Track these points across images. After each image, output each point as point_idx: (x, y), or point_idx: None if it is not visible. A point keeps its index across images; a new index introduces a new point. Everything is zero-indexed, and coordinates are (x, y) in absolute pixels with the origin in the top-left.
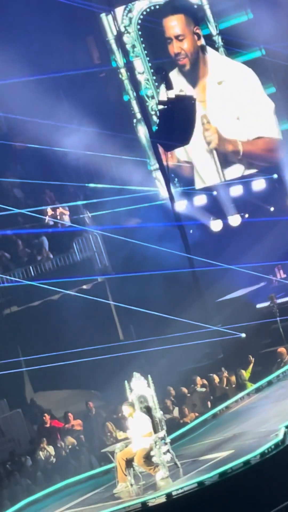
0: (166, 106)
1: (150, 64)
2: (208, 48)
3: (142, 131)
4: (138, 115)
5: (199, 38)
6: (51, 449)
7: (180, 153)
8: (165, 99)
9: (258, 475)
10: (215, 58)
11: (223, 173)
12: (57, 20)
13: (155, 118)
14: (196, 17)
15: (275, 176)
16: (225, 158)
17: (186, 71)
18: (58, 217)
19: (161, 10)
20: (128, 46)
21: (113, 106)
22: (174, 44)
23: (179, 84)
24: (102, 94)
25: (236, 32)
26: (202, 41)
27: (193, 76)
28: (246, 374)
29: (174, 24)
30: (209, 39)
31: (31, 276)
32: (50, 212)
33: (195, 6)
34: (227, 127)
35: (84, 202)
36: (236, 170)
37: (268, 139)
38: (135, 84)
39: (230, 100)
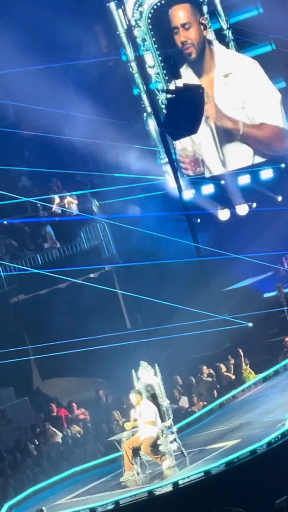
0: (173, 95)
1: (160, 58)
2: (215, 42)
3: (152, 125)
4: (149, 109)
5: (205, 28)
6: (58, 434)
7: (187, 144)
8: (173, 88)
9: (264, 464)
10: (221, 52)
11: (222, 153)
12: (65, 8)
13: (165, 111)
14: (201, 8)
15: (283, 165)
16: (225, 136)
17: (192, 60)
18: (66, 205)
19: (169, 1)
20: (139, 40)
21: (121, 95)
22: (181, 33)
23: (188, 79)
24: (110, 83)
25: (246, 27)
26: (209, 33)
27: (199, 67)
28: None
29: (180, 13)
30: (219, 33)
31: (38, 264)
32: (57, 200)
33: None
34: (230, 110)
35: (92, 190)
36: (244, 156)
37: (273, 126)
38: (146, 78)
39: (236, 92)
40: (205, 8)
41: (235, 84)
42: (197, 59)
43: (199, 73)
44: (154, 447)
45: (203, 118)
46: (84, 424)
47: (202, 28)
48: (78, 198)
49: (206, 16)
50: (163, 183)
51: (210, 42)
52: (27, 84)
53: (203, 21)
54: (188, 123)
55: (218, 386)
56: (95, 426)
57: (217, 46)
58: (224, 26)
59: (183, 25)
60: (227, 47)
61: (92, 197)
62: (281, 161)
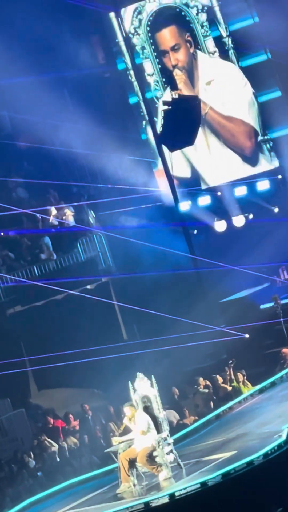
0: (170, 107)
1: (159, 66)
2: (198, 53)
3: (151, 133)
4: (148, 117)
5: (191, 45)
6: (55, 446)
7: (180, 157)
8: (169, 99)
9: (261, 476)
10: (204, 60)
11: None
12: (62, 19)
13: (162, 123)
14: (186, 24)
15: (280, 177)
16: None
17: (184, 81)
18: (64, 217)
19: (151, 25)
20: (138, 48)
21: (117, 106)
22: (171, 56)
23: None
24: (106, 94)
25: (242, 36)
26: (193, 48)
27: (188, 83)
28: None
29: (168, 36)
30: (218, 41)
31: (35, 276)
32: (54, 212)
33: (182, 13)
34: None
35: (88, 202)
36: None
37: (240, 121)
38: (145, 86)
39: (217, 97)
40: (204, 16)
41: (216, 89)
42: (187, 78)
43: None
44: (150, 457)
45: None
46: (80, 436)
47: (189, 45)
48: (75, 210)
49: (204, 29)
50: (159, 194)
51: (194, 56)
52: (24, 95)
53: (189, 38)
54: (184, 134)
55: (215, 397)
56: (91, 437)
57: (200, 56)
58: (224, 34)
59: (172, 48)
60: (227, 55)
61: (88, 209)
62: (278, 172)
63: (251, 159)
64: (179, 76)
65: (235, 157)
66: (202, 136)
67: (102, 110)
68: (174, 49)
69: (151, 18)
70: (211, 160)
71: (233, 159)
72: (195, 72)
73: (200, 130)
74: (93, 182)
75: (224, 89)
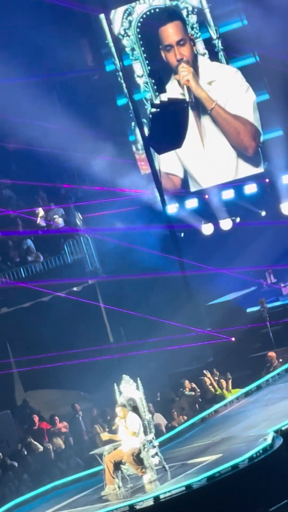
0: (158, 110)
1: (149, 68)
2: (199, 56)
3: (140, 134)
4: (136, 119)
5: (194, 44)
6: (40, 448)
7: (171, 167)
8: (158, 102)
9: (246, 479)
10: (205, 63)
11: (199, 118)
12: (51, 21)
13: (150, 126)
14: (188, 24)
15: (267, 180)
16: (197, 105)
17: (193, 73)
18: (55, 218)
19: (157, 19)
20: (128, 49)
21: (106, 108)
22: (176, 51)
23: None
24: (95, 96)
25: (230, 38)
26: (195, 47)
27: (196, 76)
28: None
29: (174, 31)
30: (208, 43)
31: (22, 277)
32: (41, 213)
33: (187, 13)
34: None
35: (76, 204)
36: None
37: (245, 120)
38: (134, 87)
39: (218, 96)
40: (194, 18)
41: (218, 89)
42: (193, 71)
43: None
44: (137, 457)
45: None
46: (66, 438)
47: (192, 44)
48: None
49: (194, 31)
50: (147, 196)
51: (196, 56)
52: (13, 97)
53: (192, 37)
54: (172, 137)
55: (200, 400)
56: (76, 439)
57: (200, 60)
58: (214, 36)
59: (178, 42)
60: (217, 57)
61: (76, 211)
62: (265, 176)
63: (253, 159)
64: (186, 69)
65: (232, 157)
66: (197, 135)
67: (90, 112)
68: (180, 44)
69: (141, 20)
70: (205, 160)
71: (230, 159)
72: (196, 72)
73: (196, 128)
74: (81, 184)
75: (227, 90)
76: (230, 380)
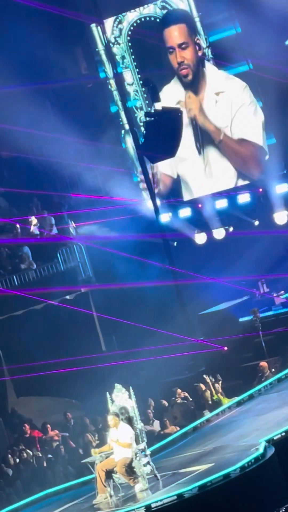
0: (152, 118)
1: (139, 76)
2: (207, 63)
3: (130, 142)
4: (127, 126)
5: (199, 48)
6: (31, 456)
7: (165, 167)
8: (152, 111)
9: (237, 489)
10: (212, 72)
11: (202, 148)
12: (45, 30)
13: (143, 130)
14: (196, 28)
15: (260, 190)
16: (203, 135)
17: (188, 81)
18: (49, 227)
19: (162, 20)
20: (118, 57)
21: (99, 117)
22: (177, 54)
23: (177, 95)
24: (88, 105)
25: (224, 46)
26: (202, 52)
27: (194, 88)
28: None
29: (177, 33)
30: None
31: (15, 285)
32: (34, 221)
33: (195, 17)
34: (215, 120)
35: (69, 212)
36: (229, 177)
37: (252, 143)
38: (124, 95)
39: (225, 110)
40: (199, 25)
41: (225, 102)
42: (193, 79)
43: (194, 93)
44: (129, 467)
45: (188, 119)
46: (57, 446)
47: (197, 48)
48: (55, 220)
49: (201, 36)
50: (140, 205)
51: (202, 63)
52: (6, 105)
53: (198, 41)
54: (166, 146)
55: (192, 407)
56: (68, 448)
57: (208, 67)
58: (204, 45)
59: (180, 45)
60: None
61: (69, 219)
62: (258, 185)
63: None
64: (187, 70)
65: (230, 171)
66: (192, 143)
67: (84, 120)
68: (182, 47)
69: (131, 28)
70: (201, 170)
71: (229, 170)
72: (202, 80)
73: (191, 136)
74: (74, 192)
75: (235, 106)
76: (220, 382)
